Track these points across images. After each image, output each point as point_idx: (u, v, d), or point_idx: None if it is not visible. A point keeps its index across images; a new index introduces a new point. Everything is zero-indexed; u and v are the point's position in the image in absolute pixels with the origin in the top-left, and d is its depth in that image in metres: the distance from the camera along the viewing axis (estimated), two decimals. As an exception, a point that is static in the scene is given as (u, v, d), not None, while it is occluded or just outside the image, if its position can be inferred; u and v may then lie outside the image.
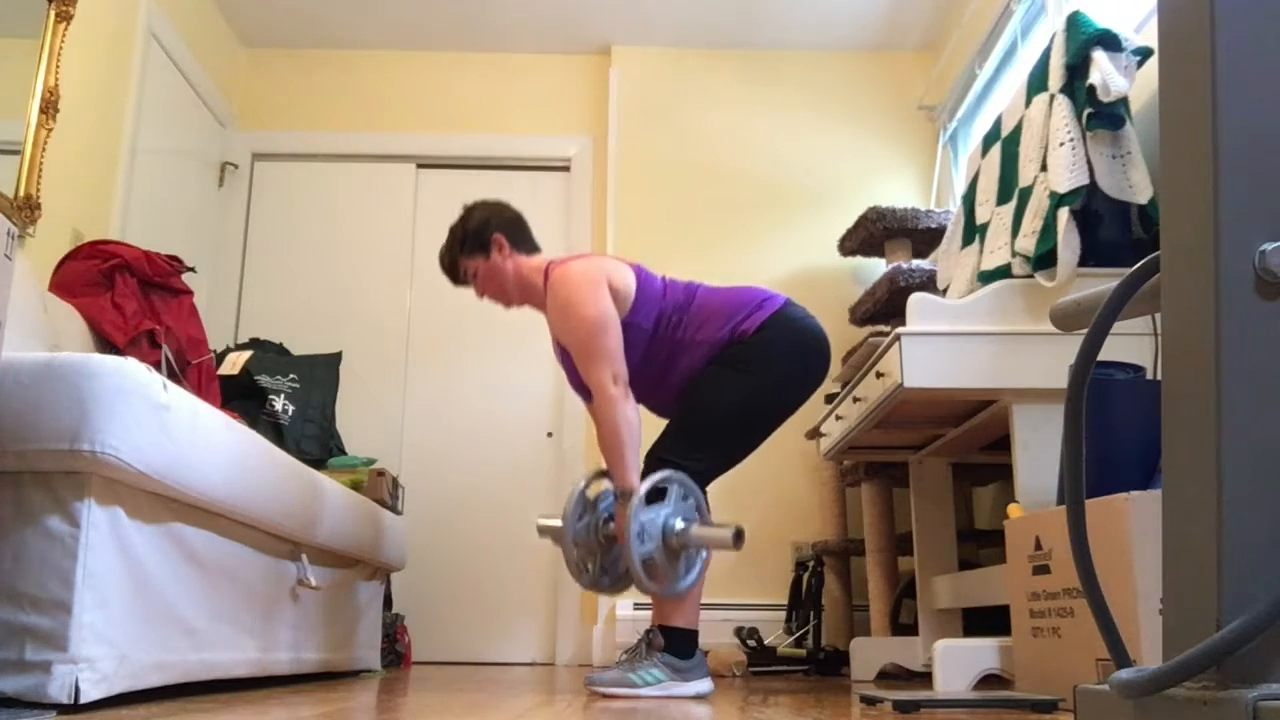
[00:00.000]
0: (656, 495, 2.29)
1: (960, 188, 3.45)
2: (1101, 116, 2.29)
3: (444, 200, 4.47)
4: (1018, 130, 2.61)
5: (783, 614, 3.77)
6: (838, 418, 3.10)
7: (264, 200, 4.42)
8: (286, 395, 3.54)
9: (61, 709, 1.47)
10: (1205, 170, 0.76)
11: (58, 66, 2.96)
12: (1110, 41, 2.31)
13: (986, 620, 2.82)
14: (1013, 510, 2.21)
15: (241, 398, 3.46)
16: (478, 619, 4.09)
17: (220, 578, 2.01)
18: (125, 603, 1.63)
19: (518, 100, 4.52)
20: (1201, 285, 0.76)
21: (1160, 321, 0.82)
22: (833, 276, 4.25)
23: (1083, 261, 2.27)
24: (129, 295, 2.74)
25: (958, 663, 2.26)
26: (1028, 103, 2.56)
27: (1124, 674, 0.77)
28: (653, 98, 4.44)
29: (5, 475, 1.54)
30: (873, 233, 3.68)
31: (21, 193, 2.83)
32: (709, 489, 2.46)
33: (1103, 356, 2.04)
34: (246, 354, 3.60)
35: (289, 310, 4.29)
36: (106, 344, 2.65)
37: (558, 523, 2.37)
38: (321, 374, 3.76)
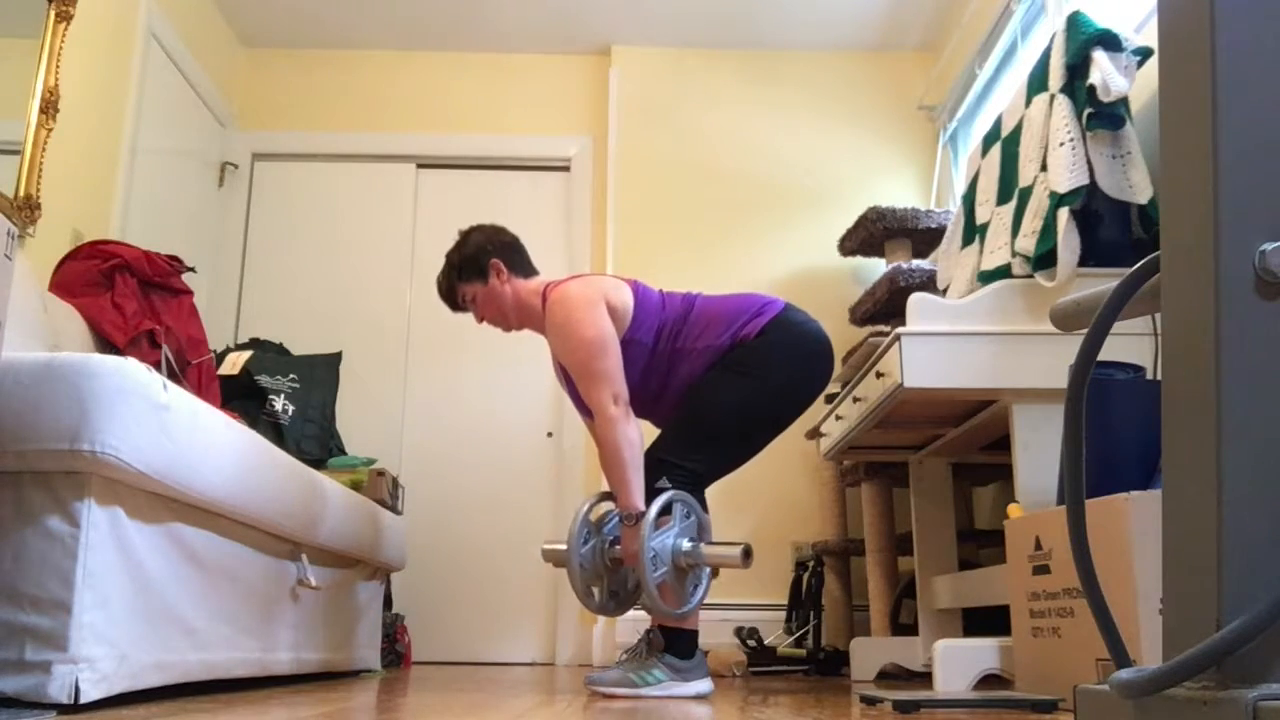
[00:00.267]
0: (662, 516, 2.29)
1: (960, 188, 3.46)
2: (1101, 116, 2.29)
3: (444, 200, 4.47)
4: (1018, 130, 2.61)
5: (783, 614, 3.77)
6: (838, 418, 3.10)
7: (264, 200, 4.42)
8: (286, 395, 3.54)
9: (61, 709, 1.47)
10: (1205, 170, 0.76)
11: (58, 66, 2.96)
12: (1110, 41, 2.31)
13: (986, 620, 2.82)
14: (1013, 510, 2.21)
15: (241, 398, 3.46)
16: (478, 619, 4.09)
17: (220, 578, 2.01)
18: (125, 603, 1.63)
19: (517, 100, 4.52)
20: (1201, 285, 0.76)
21: (1160, 321, 0.82)
22: (833, 276, 4.25)
23: (1083, 261, 2.27)
24: (129, 295, 2.74)
25: (958, 663, 2.26)
26: (1028, 103, 2.56)
27: (1124, 674, 0.77)
28: (653, 98, 4.44)
29: (5, 475, 1.54)
30: (873, 233, 3.68)
31: (21, 193, 2.83)
32: (708, 491, 2.46)
33: (1103, 356, 2.04)
34: (246, 354, 3.60)
35: (289, 310, 4.29)
36: (106, 344, 2.65)
37: (562, 547, 2.36)
38: (321, 374, 3.76)
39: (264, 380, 3.53)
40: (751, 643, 3.47)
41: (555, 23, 4.35)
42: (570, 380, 2.48)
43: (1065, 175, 2.28)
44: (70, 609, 1.50)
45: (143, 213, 3.62)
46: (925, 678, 2.98)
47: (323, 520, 2.47)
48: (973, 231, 2.85)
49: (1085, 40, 2.32)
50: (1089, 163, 2.29)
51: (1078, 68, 2.34)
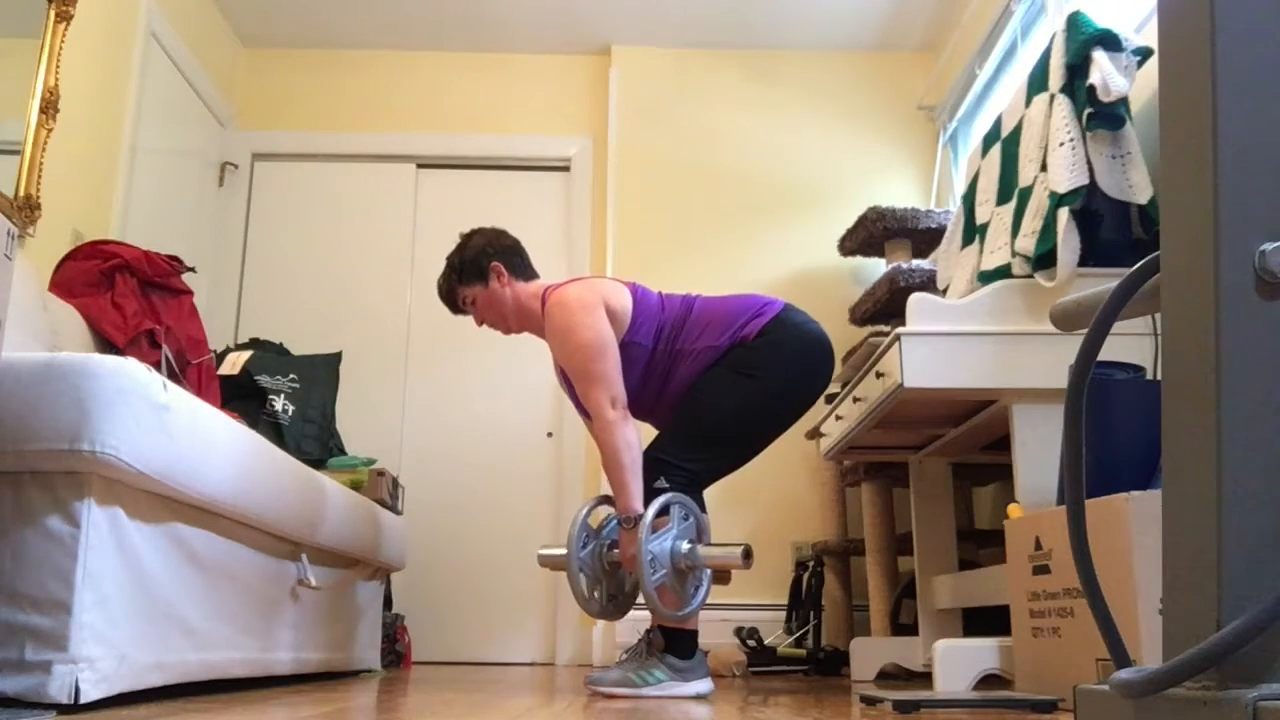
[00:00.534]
0: (660, 519, 2.29)
1: (960, 188, 3.46)
2: (1101, 116, 2.29)
3: (444, 200, 4.47)
4: (1018, 130, 2.61)
5: (783, 614, 3.77)
6: (838, 418, 3.10)
7: (264, 200, 4.42)
8: (286, 395, 3.54)
9: (61, 709, 1.47)
10: (1205, 170, 0.76)
11: (58, 66, 2.96)
12: (1110, 41, 2.31)
13: (986, 620, 2.82)
14: (1013, 510, 2.21)
15: (241, 398, 3.46)
16: (478, 619, 4.09)
17: (220, 578, 2.01)
18: (125, 603, 1.63)
19: (518, 100, 4.52)
20: (1201, 285, 0.76)
21: (1160, 321, 0.82)
22: (833, 276, 4.25)
23: (1083, 261, 2.27)
24: (129, 295, 2.74)
25: (958, 663, 2.26)
26: (1028, 103, 2.56)
27: (1124, 674, 0.77)
28: (653, 98, 4.44)
29: (5, 475, 1.54)
30: (873, 233, 3.68)
31: (21, 193, 2.83)
32: (707, 491, 2.46)
33: (1103, 356, 2.04)
34: (246, 354, 3.60)
35: (289, 310, 4.29)
36: (106, 344, 2.65)
37: (561, 552, 2.36)
38: (321, 374, 3.75)
39: (264, 380, 3.52)
40: (751, 643, 3.47)
41: (555, 23, 4.35)
42: (571, 382, 2.48)
43: (1065, 175, 2.28)
44: (70, 609, 1.50)
45: (143, 213, 3.61)
46: (925, 678, 2.98)
47: (323, 520, 2.47)
48: (973, 231, 2.85)
49: (1085, 40, 2.32)
50: (1089, 163, 2.29)
51: (1078, 68, 2.34)
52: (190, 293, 3.00)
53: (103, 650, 1.55)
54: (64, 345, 2.47)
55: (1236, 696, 0.68)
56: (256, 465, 2.03)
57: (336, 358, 3.95)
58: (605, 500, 2.45)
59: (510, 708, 1.76)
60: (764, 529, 4.03)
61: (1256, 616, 0.69)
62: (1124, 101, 2.30)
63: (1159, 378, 1.08)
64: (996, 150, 2.75)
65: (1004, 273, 2.50)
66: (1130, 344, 2.19)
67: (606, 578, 2.43)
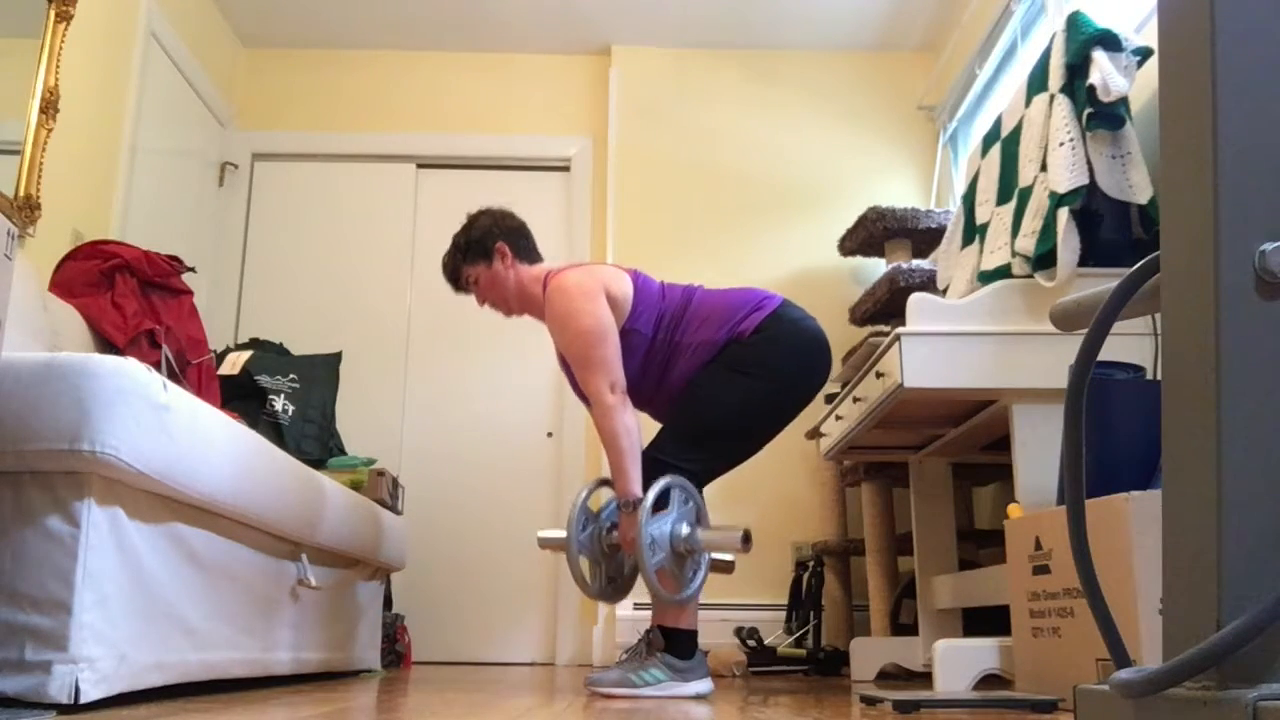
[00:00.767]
0: (660, 503, 2.29)
1: (960, 188, 3.46)
2: (1101, 116, 2.29)
3: (444, 200, 4.47)
4: (1018, 130, 2.61)
5: (783, 614, 3.77)
6: (838, 418, 3.10)
7: (264, 200, 4.42)
8: (286, 395, 3.54)
9: (61, 709, 1.47)
10: (1205, 170, 0.76)
11: (58, 66, 2.96)
12: (1110, 41, 2.31)
13: (986, 620, 2.82)
14: (1013, 510, 2.21)
15: (241, 398, 3.46)
16: (478, 619, 4.09)
17: (220, 578, 2.01)
18: (125, 603, 1.63)
19: (518, 100, 4.52)
20: (1201, 285, 0.76)
21: (1160, 321, 0.82)
22: (833, 276, 4.25)
23: (1083, 261, 2.27)
24: (129, 295, 2.74)
25: (958, 663, 2.26)
26: (1028, 103, 2.56)
27: (1124, 674, 0.77)
28: (653, 98, 4.44)
29: (5, 475, 1.54)
30: (873, 233, 3.68)
31: (21, 193, 2.83)
32: (707, 490, 2.46)
33: (1103, 356, 2.04)
34: (246, 354, 3.60)
35: (289, 310, 4.29)
36: (106, 344, 2.65)
37: (561, 534, 2.37)
38: (321, 374, 3.75)
39: (264, 380, 3.53)
40: (751, 643, 3.47)
41: (555, 23, 4.35)
42: (576, 385, 2.48)
43: (1065, 175, 2.28)
44: (70, 609, 1.50)
45: (143, 213, 3.62)
46: (925, 678, 2.98)
47: (323, 520, 2.47)
48: (973, 231, 2.85)
49: (1085, 40, 2.32)
50: (1089, 163, 2.29)
51: (1078, 68, 2.34)
52: (190, 293, 3.00)
53: (103, 650, 1.55)
54: (64, 345, 2.47)
55: (1236, 696, 0.68)
56: (256, 465, 2.03)
57: (336, 358, 3.95)
58: (605, 483, 2.45)
59: (510, 708, 1.76)
60: (764, 529, 4.03)
61: (1256, 616, 0.69)
62: (1124, 101, 2.30)
63: (1159, 378, 1.08)
64: (996, 150, 2.76)
65: (1004, 273, 2.50)
66: (1130, 344, 2.19)
67: (605, 560, 2.43)
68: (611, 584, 2.46)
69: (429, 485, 4.17)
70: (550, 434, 4.23)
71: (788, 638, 3.63)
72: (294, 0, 4.22)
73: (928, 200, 4.29)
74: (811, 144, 4.41)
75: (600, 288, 2.42)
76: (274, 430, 3.45)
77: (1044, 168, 2.38)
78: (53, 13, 2.97)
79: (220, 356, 3.57)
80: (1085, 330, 0.93)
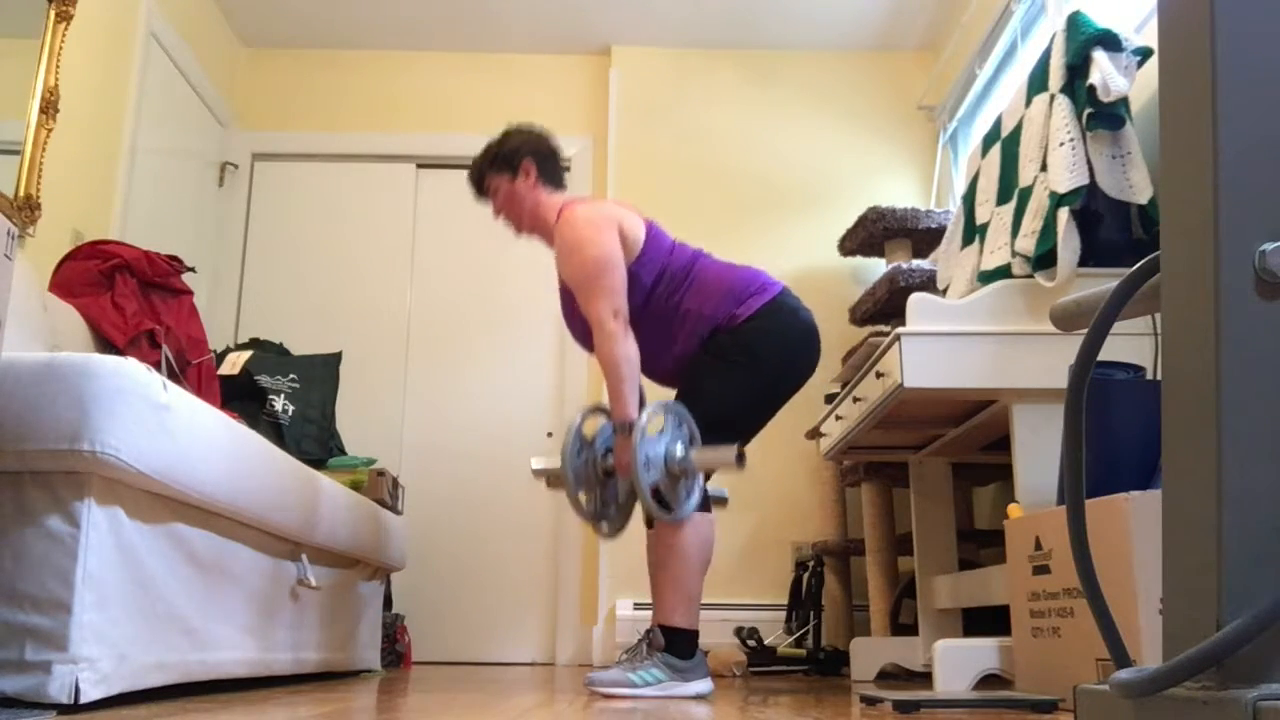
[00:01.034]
0: (655, 424, 2.32)
1: (960, 188, 3.46)
2: (1101, 116, 2.29)
3: (444, 200, 4.47)
4: (1018, 130, 2.61)
5: (783, 614, 3.77)
6: (838, 418, 3.10)
7: (264, 200, 4.42)
8: (286, 395, 3.54)
9: (61, 709, 1.47)
10: (1205, 170, 0.76)
11: (58, 66, 2.96)
12: (1110, 41, 2.31)
13: (986, 620, 2.82)
14: (1013, 510, 2.21)
15: (241, 398, 3.46)
16: (478, 619, 4.09)
17: (220, 578, 2.01)
18: (125, 603, 1.63)
19: (518, 100, 4.52)
20: (1201, 285, 0.76)
21: (1160, 321, 0.82)
22: (833, 276, 4.25)
23: (1083, 261, 2.27)
24: (129, 295, 2.74)
25: (958, 663, 2.26)
26: (1028, 103, 2.56)
27: (1124, 674, 0.77)
28: (653, 98, 4.44)
29: (5, 475, 1.54)
30: (873, 233, 3.68)
31: (21, 193, 2.83)
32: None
33: (1103, 356, 2.04)
34: (246, 354, 3.60)
35: (289, 310, 4.29)
36: (106, 344, 2.65)
37: (556, 463, 2.38)
38: (321, 374, 3.75)
39: (264, 380, 3.52)
40: (751, 643, 3.47)
41: (555, 23, 4.35)
42: (572, 306, 2.49)
43: (1065, 175, 2.28)
44: (70, 609, 1.50)
45: (143, 213, 3.62)
46: (925, 678, 2.99)
47: (323, 520, 2.47)
48: (973, 231, 2.85)
49: (1085, 40, 2.32)
50: (1089, 163, 2.29)
51: (1078, 68, 2.34)
52: (190, 293, 3.00)
53: (103, 650, 1.55)
54: (64, 345, 2.47)
55: (1236, 696, 0.68)
56: (256, 465, 2.03)
57: (336, 358, 3.95)
58: (597, 410, 2.47)
59: (510, 708, 1.76)
60: (764, 529, 4.03)
61: (1256, 616, 0.69)
62: (1124, 101, 2.30)
63: (1159, 378, 1.08)
64: (996, 150, 2.76)
65: (1004, 273, 2.50)
66: (1130, 344, 2.19)
67: (600, 487, 2.45)
68: (606, 510, 2.47)
69: (429, 485, 4.17)
70: (550, 434, 4.23)
71: (788, 638, 3.63)
72: (294, 0, 4.22)
73: (928, 200, 4.29)
74: (811, 144, 4.41)
75: (613, 223, 2.44)
76: (274, 430, 3.45)
77: (1044, 168, 2.38)
78: (53, 13, 2.97)
79: (220, 356, 3.57)
80: (1085, 330, 0.93)
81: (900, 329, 2.35)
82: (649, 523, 2.43)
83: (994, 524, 3.50)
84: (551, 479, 2.43)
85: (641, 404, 2.37)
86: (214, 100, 4.22)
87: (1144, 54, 2.34)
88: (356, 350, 4.21)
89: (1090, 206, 2.31)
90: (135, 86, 3.52)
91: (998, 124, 2.78)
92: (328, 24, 4.37)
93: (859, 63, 4.49)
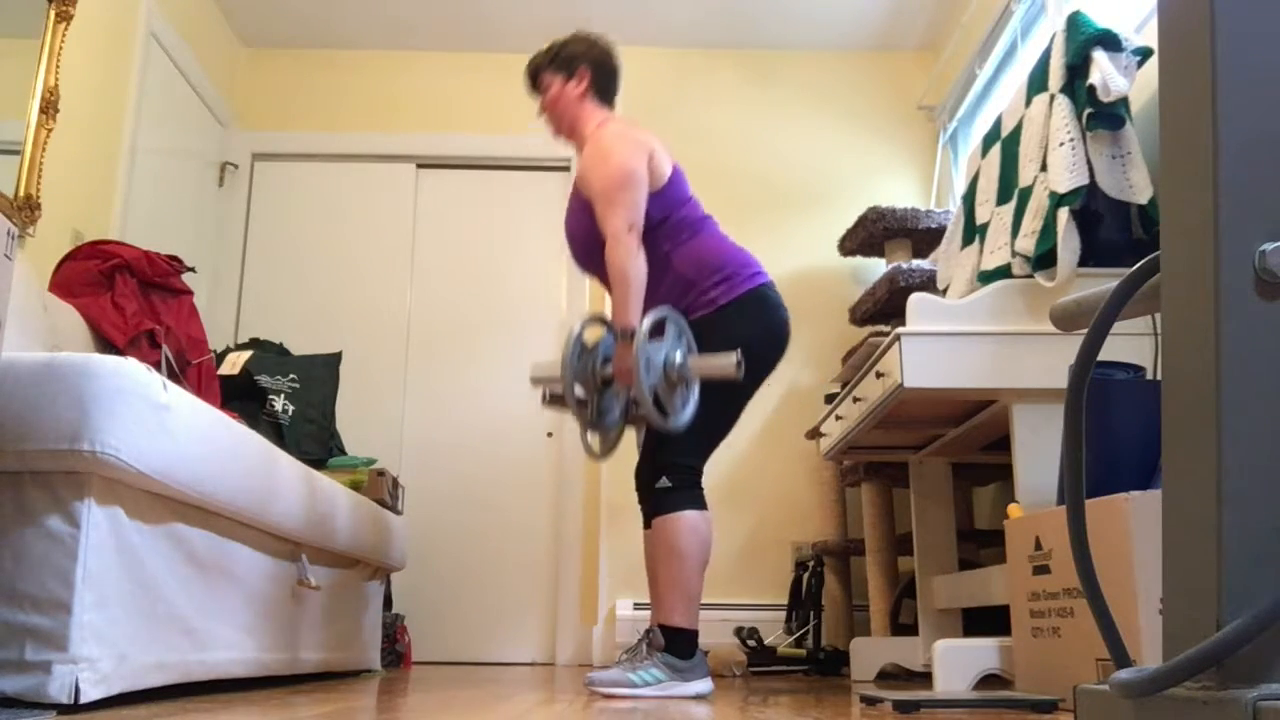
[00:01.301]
0: (656, 332, 2.35)
1: (960, 188, 3.46)
2: (1101, 116, 2.29)
3: (444, 200, 4.47)
4: (1018, 130, 2.61)
5: (783, 614, 3.77)
6: (838, 418, 3.10)
7: (264, 200, 4.42)
8: (286, 395, 3.54)
9: (61, 709, 1.47)
10: (1205, 170, 0.76)
11: (58, 66, 2.96)
12: (1110, 41, 2.31)
13: (986, 620, 2.82)
14: (1013, 510, 2.21)
15: (241, 398, 3.46)
16: (478, 619, 4.09)
17: (220, 578, 2.01)
18: (125, 603, 1.63)
19: (518, 100, 4.51)
20: (1201, 285, 0.76)
21: (1160, 321, 0.82)
22: (833, 276, 4.25)
23: (1083, 261, 2.27)
24: (129, 295, 2.74)
25: (958, 663, 2.26)
26: (1028, 103, 2.56)
27: (1124, 674, 0.77)
28: (653, 98, 4.44)
29: (5, 475, 1.54)
30: (873, 233, 3.68)
31: (21, 193, 2.83)
32: (706, 487, 2.46)
33: (1103, 356, 2.04)
34: (246, 354, 3.60)
35: (289, 310, 4.29)
36: (106, 344, 2.65)
37: (555, 370, 2.40)
38: (321, 374, 3.75)
39: (264, 380, 3.52)
40: (751, 643, 3.47)
41: (555, 23, 4.34)
42: (579, 228, 2.51)
43: (1065, 175, 2.28)
44: (70, 609, 1.50)
45: (143, 213, 3.62)
46: (925, 678, 2.99)
47: (323, 520, 2.47)
48: (973, 231, 2.85)
49: (1085, 40, 2.32)
50: (1089, 163, 2.29)
51: (1078, 68, 2.34)
52: (190, 293, 3.00)
53: (103, 650, 1.55)
54: (64, 345, 2.47)
55: (1236, 696, 0.68)
56: (256, 465, 2.03)
57: (336, 358, 3.95)
58: (598, 320, 2.50)
59: (510, 708, 1.76)
60: (764, 529, 4.03)
61: (1256, 616, 0.69)
62: (1124, 101, 2.30)
63: (1159, 378, 1.08)
64: (996, 150, 2.76)
65: (1004, 273, 2.50)
66: (1130, 344, 2.19)
67: (597, 395, 2.47)
68: (600, 421, 2.49)
69: (429, 485, 4.17)
70: (550, 434, 4.23)
71: (788, 638, 3.63)
72: (294, 0, 4.22)
73: (928, 200, 4.29)
74: (811, 144, 4.41)
75: (645, 148, 2.48)
76: (274, 430, 3.45)
77: (1044, 168, 2.38)
78: (53, 13, 2.97)
79: (220, 356, 3.57)
80: (1085, 330, 0.93)
81: (900, 329, 2.35)
82: (647, 523, 2.44)
83: (994, 524, 3.50)
84: (550, 396, 2.48)
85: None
86: (214, 100, 4.22)
87: (1144, 54, 2.34)
88: (356, 350, 4.21)
89: (1090, 206, 2.31)
90: (135, 86, 3.52)
91: (998, 124, 2.78)
92: (327, 24, 4.37)
93: (859, 63, 4.49)
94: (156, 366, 2.62)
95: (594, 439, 2.53)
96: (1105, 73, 2.26)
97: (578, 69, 2.64)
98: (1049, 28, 3.30)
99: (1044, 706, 1.74)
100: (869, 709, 1.90)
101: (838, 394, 3.21)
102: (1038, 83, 2.52)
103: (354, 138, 4.46)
